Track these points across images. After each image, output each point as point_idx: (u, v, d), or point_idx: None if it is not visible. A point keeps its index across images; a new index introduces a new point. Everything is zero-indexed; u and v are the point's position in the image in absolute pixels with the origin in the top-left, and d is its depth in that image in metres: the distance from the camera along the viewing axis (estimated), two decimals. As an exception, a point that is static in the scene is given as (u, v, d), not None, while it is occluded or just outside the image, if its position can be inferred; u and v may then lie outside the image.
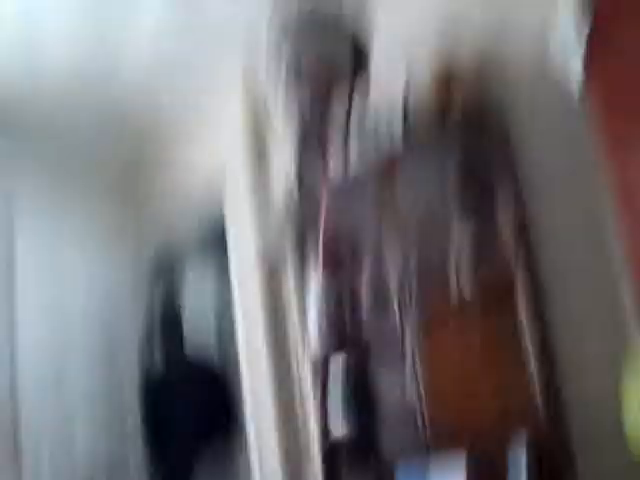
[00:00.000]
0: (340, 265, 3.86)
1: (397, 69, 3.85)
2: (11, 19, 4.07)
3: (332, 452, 3.75)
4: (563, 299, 3.35)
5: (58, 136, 5.01)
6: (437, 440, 3.43)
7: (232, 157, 4.73)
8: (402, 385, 3.58)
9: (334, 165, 3.73)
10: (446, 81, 3.66)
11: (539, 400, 3.12)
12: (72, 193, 5.16)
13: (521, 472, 3.07)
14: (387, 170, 3.75)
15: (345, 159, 3.78)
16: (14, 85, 4.54)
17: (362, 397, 3.72)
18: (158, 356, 5.19)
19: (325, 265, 3.82)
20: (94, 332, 4.99)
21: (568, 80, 3.15)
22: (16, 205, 4.70)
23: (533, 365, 3.17)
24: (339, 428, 3.67)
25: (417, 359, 3.50)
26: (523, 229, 3.42)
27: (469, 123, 3.51)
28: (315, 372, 3.87)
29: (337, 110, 3.07)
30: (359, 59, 3.05)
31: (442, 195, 3.58)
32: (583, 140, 3.22)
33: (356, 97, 3.04)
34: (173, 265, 5.43)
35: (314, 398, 3.88)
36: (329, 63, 2.83)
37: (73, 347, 4.82)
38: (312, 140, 3.14)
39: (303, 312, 4.02)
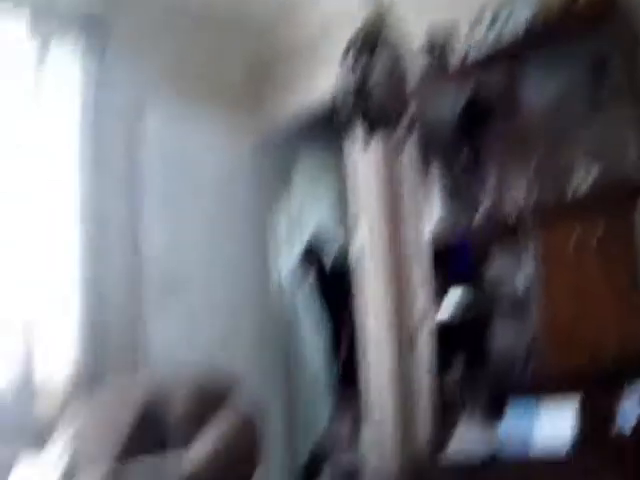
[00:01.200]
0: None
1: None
2: None
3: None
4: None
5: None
6: (550, 378, 3.39)
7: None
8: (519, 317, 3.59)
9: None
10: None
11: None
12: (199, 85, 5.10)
13: (630, 422, 3.01)
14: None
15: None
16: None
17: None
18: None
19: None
20: (215, 225, 5.04)
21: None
22: (145, 93, 4.72)
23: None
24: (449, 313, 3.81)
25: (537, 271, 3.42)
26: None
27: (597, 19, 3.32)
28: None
29: None
30: None
31: (568, 91, 3.46)
32: None
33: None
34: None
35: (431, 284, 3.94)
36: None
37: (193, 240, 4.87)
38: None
39: (422, 202, 4.04)
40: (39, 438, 3.53)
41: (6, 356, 3.77)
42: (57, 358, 3.96)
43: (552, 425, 3.27)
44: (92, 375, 4.05)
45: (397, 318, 4.26)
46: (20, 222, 3.92)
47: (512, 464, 3.26)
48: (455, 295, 3.80)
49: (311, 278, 5.42)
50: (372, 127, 3.31)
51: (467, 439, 3.55)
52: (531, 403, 3.40)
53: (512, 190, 3.58)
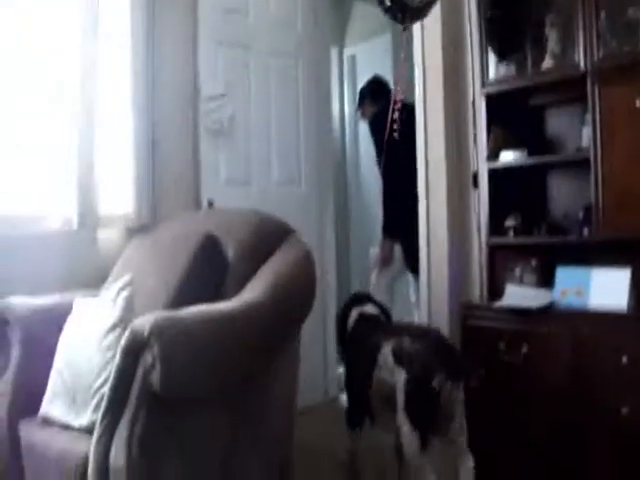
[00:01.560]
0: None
1: None
2: None
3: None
4: None
5: None
6: (605, 242, 3.38)
7: None
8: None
9: None
10: None
11: None
12: None
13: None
14: None
15: None
16: None
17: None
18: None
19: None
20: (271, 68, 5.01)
21: None
22: None
23: None
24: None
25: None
26: None
27: None
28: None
29: None
30: None
31: None
32: None
33: None
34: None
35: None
36: None
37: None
38: None
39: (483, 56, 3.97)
40: (99, 273, 3.68)
41: (67, 192, 3.83)
42: (117, 198, 4.08)
43: (606, 290, 3.31)
44: (150, 214, 4.18)
45: (455, 162, 4.31)
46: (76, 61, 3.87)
47: (569, 313, 3.33)
48: (511, 154, 3.79)
49: (369, 121, 5.39)
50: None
51: (520, 292, 3.64)
52: (585, 267, 3.43)
53: (576, 45, 3.48)
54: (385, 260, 5.16)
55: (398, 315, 5.07)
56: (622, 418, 3.06)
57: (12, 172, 3.68)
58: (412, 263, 4.79)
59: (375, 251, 5.13)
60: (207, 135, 4.49)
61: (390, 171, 4.95)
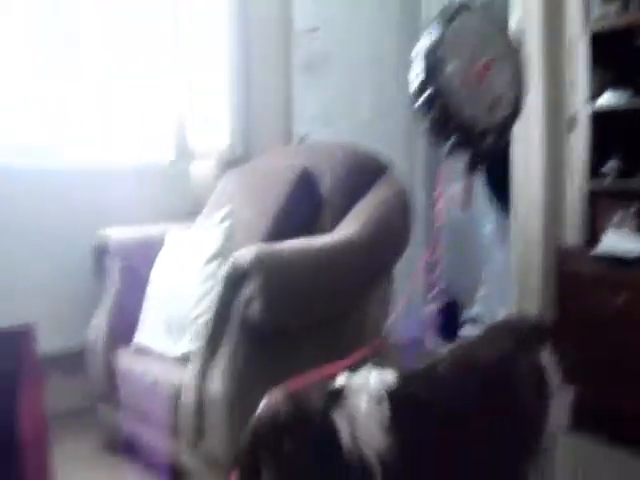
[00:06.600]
0: None
1: None
2: None
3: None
4: None
5: None
6: None
7: None
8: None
9: None
10: None
11: None
12: None
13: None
14: None
15: None
16: None
17: None
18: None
19: None
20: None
21: None
22: None
23: None
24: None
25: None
26: None
27: None
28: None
29: None
30: None
31: None
32: None
33: None
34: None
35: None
36: None
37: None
38: None
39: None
40: (194, 208, 3.71)
41: (163, 127, 3.89)
42: (212, 132, 4.12)
43: None
44: (244, 148, 4.20)
45: (552, 102, 4.10)
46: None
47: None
48: (614, 95, 3.65)
49: None
50: None
51: (619, 238, 3.53)
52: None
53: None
54: None
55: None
56: None
57: (111, 108, 3.77)
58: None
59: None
60: (300, 70, 4.44)
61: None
